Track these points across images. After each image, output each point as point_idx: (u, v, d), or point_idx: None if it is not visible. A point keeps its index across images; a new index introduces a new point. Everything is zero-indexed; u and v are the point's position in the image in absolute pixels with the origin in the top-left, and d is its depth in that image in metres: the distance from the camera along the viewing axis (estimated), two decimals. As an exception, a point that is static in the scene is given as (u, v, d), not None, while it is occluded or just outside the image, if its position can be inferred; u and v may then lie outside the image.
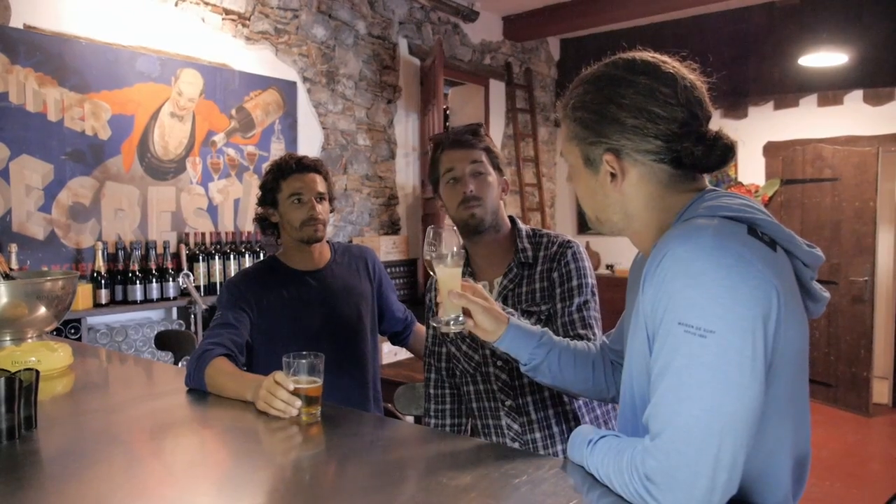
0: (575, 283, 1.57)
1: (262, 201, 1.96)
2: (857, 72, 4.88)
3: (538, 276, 1.61)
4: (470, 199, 1.57)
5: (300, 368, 1.34)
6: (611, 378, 1.28)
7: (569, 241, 1.63)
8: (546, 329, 1.28)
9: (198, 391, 1.57)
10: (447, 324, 1.21)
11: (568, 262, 1.59)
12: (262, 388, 1.36)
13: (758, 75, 5.33)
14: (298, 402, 1.32)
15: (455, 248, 1.22)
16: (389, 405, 2.17)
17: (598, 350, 1.31)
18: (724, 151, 0.95)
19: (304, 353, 1.36)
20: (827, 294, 0.99)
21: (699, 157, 0.94)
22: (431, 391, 1.78)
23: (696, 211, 0.94)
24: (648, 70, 0.97)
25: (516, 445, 1.63)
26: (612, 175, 0.98)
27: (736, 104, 5.41)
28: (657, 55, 1.00)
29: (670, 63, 0.98)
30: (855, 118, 5.02)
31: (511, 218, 1.69)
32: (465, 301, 1.19)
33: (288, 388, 1.32)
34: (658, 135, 0.94)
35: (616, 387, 1.27)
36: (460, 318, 1.21)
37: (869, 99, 4.97)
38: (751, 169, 5.46)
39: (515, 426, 1.63)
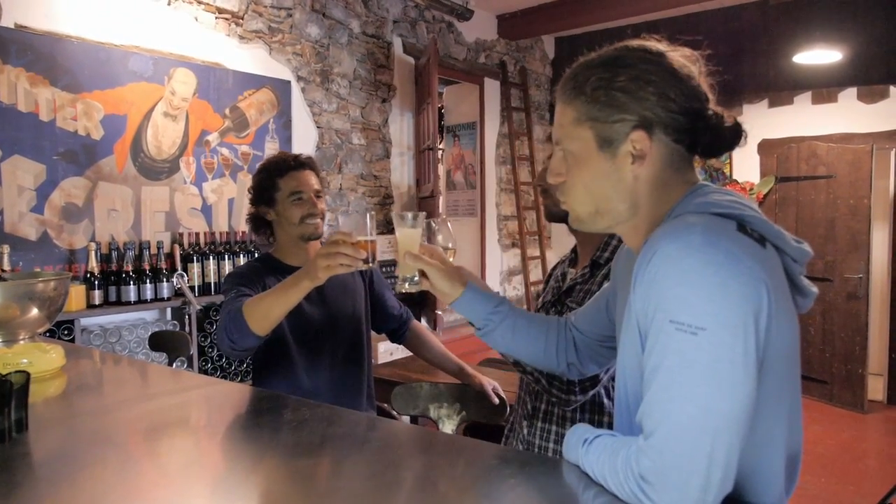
0: None
1: (257, 200, 1.95)
2: (851, 69, 4.89)
3: (599, 280, 1.63)
4: (544, 192, 1.69)
5: (355, 224, 1.44)
6: (562, 354, 1.30)
7: None
8: (505, 297, 1.29)
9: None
10: (403, 282, 1.27)
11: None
12: (321, 254, 1.43)
13: (752, 73, 5.34)
14: (363, 255, 1.40)
15: (418, 213, 1.29)
16: (385, 405, 2.17)
17: (557, 325, 1.32)
18: (737, 132, 0.98)
19: (357, 212, 1.44)
20: (815, 289, 0.99)
21: (720, 134, 0.96)
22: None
23: (687, 207, 0.94)
24: (663, 53, 0.98)
25: (525, 424, 1.66)
26: (634, 157, 0.96)
27: (730, 102, 5.42)
28: (664, 45, 1.01)
29: (679, 49, 1.00)
30: (849, 116, 5.04)
31: None
32: (420, 263, 1.23)
33: (351, 241, 1.40)
34: (684, 110, 0.95)
35: (567, 362, 1.30)
36: (415, 279, 1.26)
37: (863, 96, 4.98)
38: (745, 167, 5.48)
39: (529, 407, 1.66)
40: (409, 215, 1.26)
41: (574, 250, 1.77)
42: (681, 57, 0.98)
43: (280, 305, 1.56)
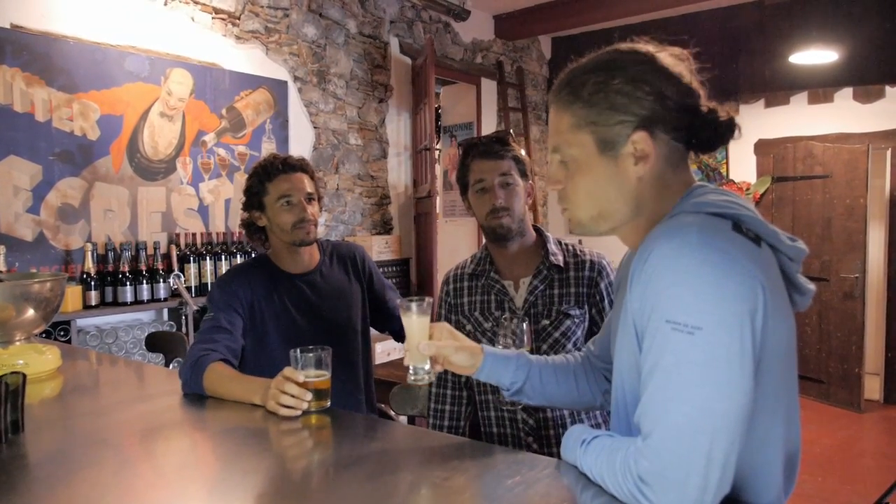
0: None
1: (247, 205, 1.90)
2: (847, 69, 4.90)
3: (574, 280, 1.70)
4: (499, 210, 1.67)
5: (308, 362, 1.36)
6: (595, 387, 1.27)
7: (602, 255, 1.76)
8: (521, 351, 1.27)
9: (191, 394, 1.56)
10: (414, 373, 1.21)
11: (611, 277, 1.71)
12: (272, 387, 1.36)
13: (748, 73, 5.35)
14: (309, 396, 1.33)
15: (423, 298, 1.23)
16: (382, 405, 2.16)
17: (581, 360, 1.30)
18: (730, 124, 0.98)
19: (311, 346, 1.38)
20: (812, 286, 1.00)
21: (716, 128, 0.96)
22: (433, 389, 1.81)
23: (683, 207, 0.95)
24: (653, 54, 0.99)
25: (531, 440, 1.67)
26: (636, 158, 0.96)
27: (727, 102, 5.43)
28: (652, 46, 1.02)
29: (668, 49, 1.01)
30: (845, 115, 5.04)
31: (535, 227, 1.79)
32: (434, 350, 1.19)
33: (298, 382, 1.33)
34: (679, 108, 0.96)
35: (601, 392, 1.27)
36: (426, 368, 1.21)
37: (859, 96, 4.99)
38: (742, 167, 5.48)
39: (531, 421, 1.67)
40: (414, 305, 1.20)
41: (486, 262, 1.76)
42: (670, 56, 0.99)
43: (234, 398, 1.49)
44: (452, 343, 1.21)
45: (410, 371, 1.22)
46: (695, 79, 0.99)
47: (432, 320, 1.25)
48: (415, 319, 1.21)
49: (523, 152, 1.74)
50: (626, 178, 0.98)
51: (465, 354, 1.20)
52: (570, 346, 1.67)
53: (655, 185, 0.98)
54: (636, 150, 0.96)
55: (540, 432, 1.67)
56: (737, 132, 0.98)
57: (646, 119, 0.95)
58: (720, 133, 0.97)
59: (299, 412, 1.33)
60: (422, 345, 1.19)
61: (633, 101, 0.96)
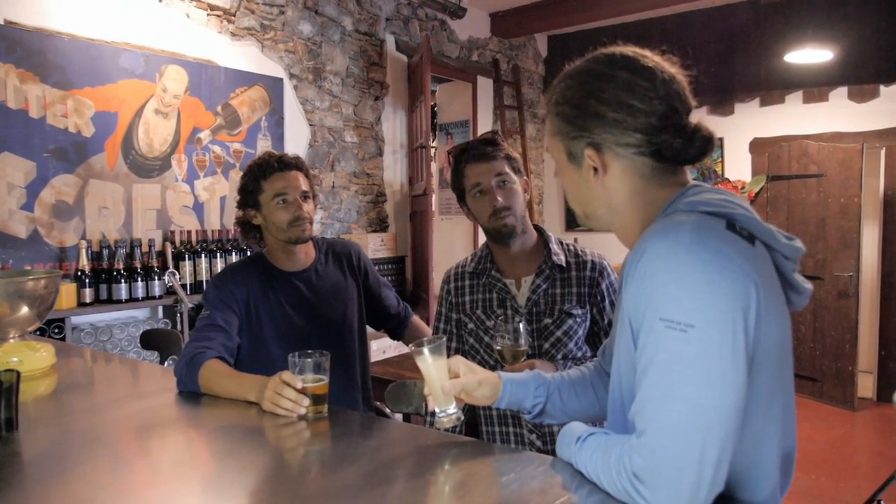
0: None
1: (242, 203, 1.89)
2: (842, 68, 4.91)
3: (576, 280, 1.71)
4: (501, 210, 1.67)
5: (306, 367, 1.35)
6: None
7: (602, 255, 1.79)
8: (536, 371, 1.25)
9: (186, 392, 1.55)
10: (445, 415, 1.18)
11: (611, 277, 1.74)
12: (269, 388, 1.36)
13: (744, 72, 5.36)
14: (306, 401, 1.33)
15: (434, 338, 1.19)
16: (379, 403, 2.16)
17: (595, 370, 1.29)
18: (703, 143, 0.95)
19: (310, 351, 1.37)
20: (809, 285, 0.99)
21: (679, 150, 0.95)
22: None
23: (677, 206, 0.95)
24: (628, 64, 0.97)
25: (534, 437, 1.69)
26: (595, 169, 0.99)
27: (722, 101, 5.44)
28: (638, 49, 1.00)
29: (650, 57, 0.99)
30: (840, 115, 5.06)
31: (536, 226, 1.80)
32: (459, 389, 1.17)
33: (296, 387, 1.32)
34: (638, 128, 0.95)
35: None
36: (453, 407, 1.18)
37: (854, 95, 5.01)
38: (737, 165, 5.50)
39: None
40: (426, 350, 1.16)
41: (487, 260, 1.76)
42: (650, 65, 0.97)
43: (229, 395, 1.49)
44: (473, 377, 1.18)
45: (439, 413, 1.18)
46: (671, 91, 0.96)
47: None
48: (431, 363, 1.17)
49: (513, 151, 1.76)
50: (591, 186, 1.01)
51: (487, 387, 1.18)
52: (571, 344, 1.68)
53: (627, 193, 0.99)
54: (593, 163, 0.98)
55: (543, 429, 1.67)
56: (712, 148, 0.95)
57: (598, 136, 0.97)
58: (691, 151, 0.95)
59: (295, 416, 1.33)
60: (445, 386, 1.16)
61: (588, 117, 0.97)
